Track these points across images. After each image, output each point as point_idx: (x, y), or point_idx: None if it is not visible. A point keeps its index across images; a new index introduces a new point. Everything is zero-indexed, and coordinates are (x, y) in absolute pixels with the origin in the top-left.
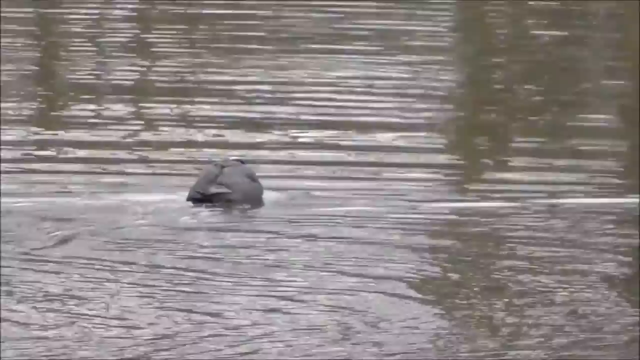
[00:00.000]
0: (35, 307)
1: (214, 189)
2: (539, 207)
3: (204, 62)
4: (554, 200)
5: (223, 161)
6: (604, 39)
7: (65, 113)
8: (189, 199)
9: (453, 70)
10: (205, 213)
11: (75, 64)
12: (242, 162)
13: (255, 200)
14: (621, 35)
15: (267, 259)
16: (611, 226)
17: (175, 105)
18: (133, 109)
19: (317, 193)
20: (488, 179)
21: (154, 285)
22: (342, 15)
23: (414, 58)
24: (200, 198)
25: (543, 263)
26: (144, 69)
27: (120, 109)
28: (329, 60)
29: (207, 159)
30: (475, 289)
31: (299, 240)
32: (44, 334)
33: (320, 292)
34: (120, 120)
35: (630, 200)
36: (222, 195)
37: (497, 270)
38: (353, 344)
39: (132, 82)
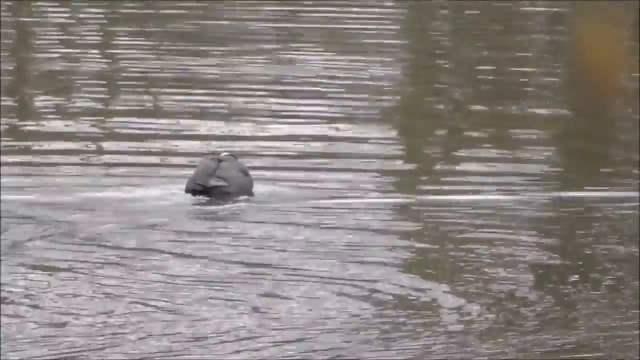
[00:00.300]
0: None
1: (213, 182)
2: (487, 199)
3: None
4: (501, 196)
5: (219, 156)
6: (543, 38)
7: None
8: (187, 190)
9: (400, 68)
10: (206, 204)
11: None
12: (235, 157)
13: (248, 192)
14: (558, 35)
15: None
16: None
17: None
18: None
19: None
20: (437, 173)
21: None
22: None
23: (365, 57)
24: (199, 190)
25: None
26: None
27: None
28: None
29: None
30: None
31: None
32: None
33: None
34: (94, 112)
35: (573, 194)
36: (220, 187)
37: (454, 255)
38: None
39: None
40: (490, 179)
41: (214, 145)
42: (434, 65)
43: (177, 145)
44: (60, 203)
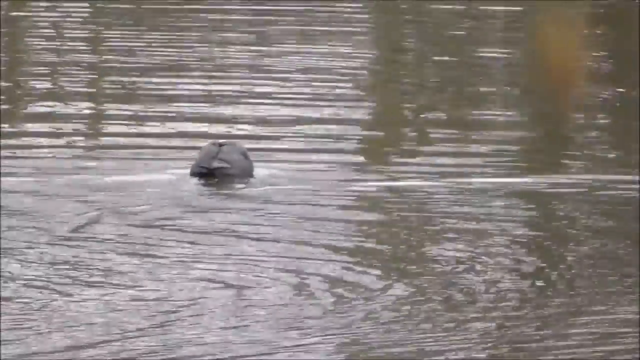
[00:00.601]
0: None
1: (216, 164)
2: (452, 185)
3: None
4: (464, 180)
5: (221, 141)
6: (506, 38)
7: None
8: (192, 174)
9: (374, 65)
10: (210, 185)
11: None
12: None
13: (249, 175)
14: (523, 35)
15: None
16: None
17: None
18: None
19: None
20: (404, 160)
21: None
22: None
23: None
24: (204, 172)
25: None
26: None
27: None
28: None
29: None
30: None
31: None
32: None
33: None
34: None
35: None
36: (223, 169)
37: (420, 242)
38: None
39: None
40: (450, 165)
41: (213, 128)
42: (398, 60)
43: (172, 129)
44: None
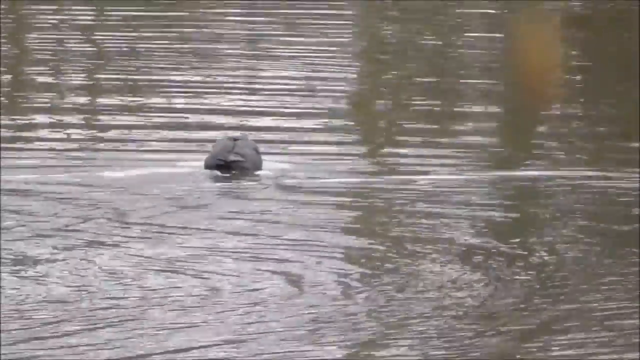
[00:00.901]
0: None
1: (232, 157)
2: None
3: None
4: (436, 177)
5: (235, 135)
6: (481, 39)
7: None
8: (207, 167)
9: (349, 67)
10: (228, 179)
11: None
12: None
13: (258, 168)
14: (496, 36)
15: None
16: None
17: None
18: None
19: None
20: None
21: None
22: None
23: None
24: (221, 165)
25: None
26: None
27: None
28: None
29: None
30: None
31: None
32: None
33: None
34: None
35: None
36: (239, 162)
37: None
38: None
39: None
40: (432, 160)
41: (225, 120)
42: (382, 61)
43: (187, 117)
44: (86, 183)
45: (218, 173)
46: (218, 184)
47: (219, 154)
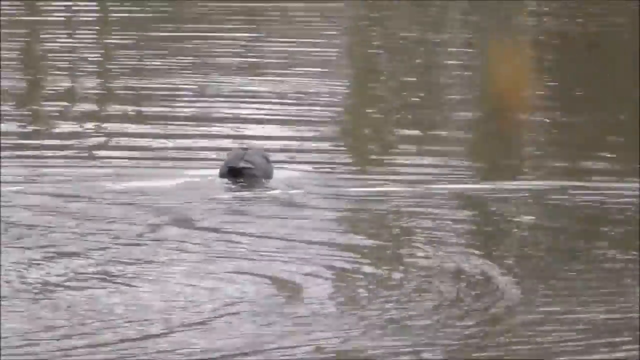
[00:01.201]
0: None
1: (242, 164)
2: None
3: None
4: (427, 186)
5: (246, 145)
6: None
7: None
8: (221, 175)
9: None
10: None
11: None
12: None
13: (269, 177)
14: (474, 38)
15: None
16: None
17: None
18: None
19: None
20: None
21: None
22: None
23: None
24: (232, 171)
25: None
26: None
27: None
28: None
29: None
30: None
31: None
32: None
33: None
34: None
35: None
36: (248, 169)
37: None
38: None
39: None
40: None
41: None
42: (369, 77)
43: (197, 127)
44: (99, 194)
45: (227, 181)
46: (227, 192)
47: (230, 161)
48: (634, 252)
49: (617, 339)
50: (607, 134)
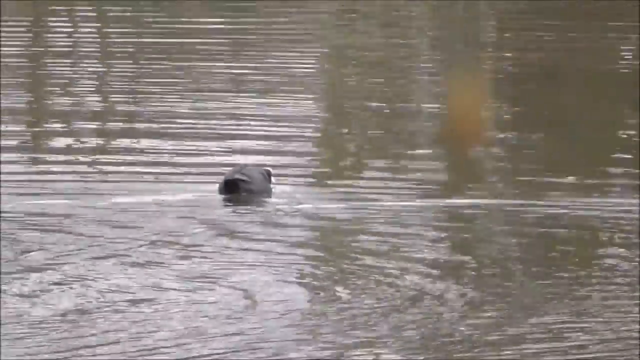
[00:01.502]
0: None
1: (238, 176)
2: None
3: None
4: (389, 203)
5: (247, 163)
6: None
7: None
8: (220, 191)
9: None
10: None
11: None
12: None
13: (267, 194)
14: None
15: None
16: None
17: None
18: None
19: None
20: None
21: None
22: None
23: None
24: (228, 183)
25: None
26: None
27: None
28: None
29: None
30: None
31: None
32: None
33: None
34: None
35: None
36: (243, 182)
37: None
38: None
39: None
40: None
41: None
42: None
43: (195, 145)
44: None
45: (224, 196)
46: (225, 209)
47: (227, 175)
48: (595, 264)
49: None
50: (567, 152)
